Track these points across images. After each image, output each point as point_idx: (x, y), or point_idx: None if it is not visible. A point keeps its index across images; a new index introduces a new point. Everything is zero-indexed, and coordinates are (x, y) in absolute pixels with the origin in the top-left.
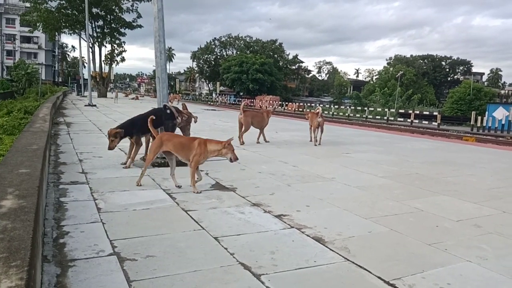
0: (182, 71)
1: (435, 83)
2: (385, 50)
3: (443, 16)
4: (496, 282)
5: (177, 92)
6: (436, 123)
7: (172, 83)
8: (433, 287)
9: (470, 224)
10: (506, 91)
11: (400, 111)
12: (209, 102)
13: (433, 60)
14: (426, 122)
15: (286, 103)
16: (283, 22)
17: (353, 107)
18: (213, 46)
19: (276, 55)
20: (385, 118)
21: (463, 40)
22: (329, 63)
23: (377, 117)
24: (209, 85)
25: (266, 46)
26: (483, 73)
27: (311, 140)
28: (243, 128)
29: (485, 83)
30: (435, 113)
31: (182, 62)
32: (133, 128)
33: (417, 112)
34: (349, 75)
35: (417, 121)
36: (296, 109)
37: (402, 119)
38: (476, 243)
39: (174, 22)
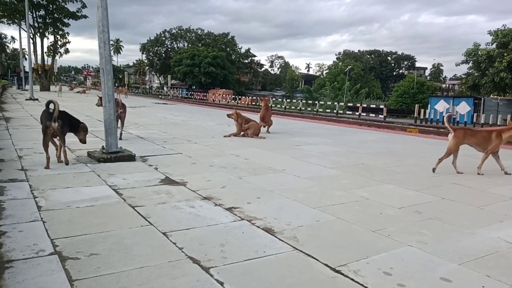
0: (131, 64)
1: (382, 77)
2: (336, 46)
3: (391, 13)
4: (434, 264)
5: (125, 86)
6: (382, 116)
7: (120, 76)
8: (376, 271)
9: (411, 210)
10: (447, 85)
11: (349, 104)
12: (160, 96)
13: (379, 55)
14: (373, 115)
15: (239, 97)
16: (238, 16)
17: (304, 101)
18: (164, 38)
19: (228, 49)
20: (335, 111)
21: (410, 36)
22: (281, 57)
23: (327, 110)
24: (160, 78)
25: (218, 39)
26: (426, 68)
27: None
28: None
29: (428, 78)
30: (381, 106)
31: (131, 55)
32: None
33: (365, 105)
34: (301, 70)
35: (364, 114)
36: (249, 103)
37: (350, 112)
38: (417, 228)
39: (125, 13)
